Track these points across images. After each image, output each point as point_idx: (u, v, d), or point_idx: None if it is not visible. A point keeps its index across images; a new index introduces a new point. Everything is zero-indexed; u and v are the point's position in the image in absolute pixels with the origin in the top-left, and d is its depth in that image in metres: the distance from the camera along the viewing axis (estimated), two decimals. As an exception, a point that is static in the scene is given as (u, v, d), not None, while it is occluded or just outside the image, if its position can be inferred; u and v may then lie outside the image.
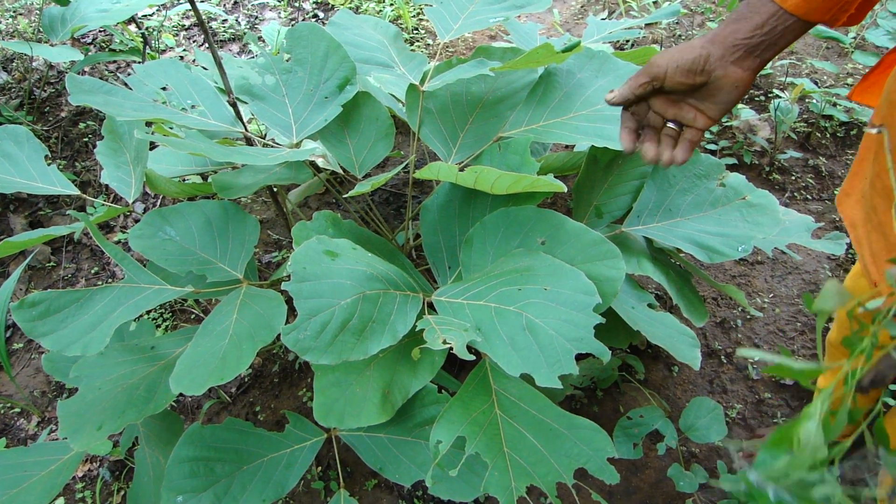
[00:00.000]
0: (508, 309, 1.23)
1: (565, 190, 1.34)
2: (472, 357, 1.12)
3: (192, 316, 2.29)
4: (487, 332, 1.22)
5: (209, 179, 1.78)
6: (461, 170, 1.32)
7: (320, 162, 1.74)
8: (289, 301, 1.32)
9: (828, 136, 2.44)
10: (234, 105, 1.59)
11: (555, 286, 1.23)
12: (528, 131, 1.56)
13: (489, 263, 1.39)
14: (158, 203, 2.64)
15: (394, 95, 1.86)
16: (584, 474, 1.22)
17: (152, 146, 1.87)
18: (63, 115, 2.91)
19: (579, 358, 1.17)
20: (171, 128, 1.71)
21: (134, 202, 1.62)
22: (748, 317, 2.11)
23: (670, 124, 1.06)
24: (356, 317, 1.20)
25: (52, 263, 2.49)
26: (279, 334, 1.27)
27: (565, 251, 1.33)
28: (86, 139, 2.83)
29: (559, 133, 1.51)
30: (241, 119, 1.61)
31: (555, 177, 1.31)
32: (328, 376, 1.34)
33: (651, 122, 1.08)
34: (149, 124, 1.71)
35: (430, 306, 1.34)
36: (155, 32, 3.32)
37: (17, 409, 2.13)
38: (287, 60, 1.64)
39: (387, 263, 1.36)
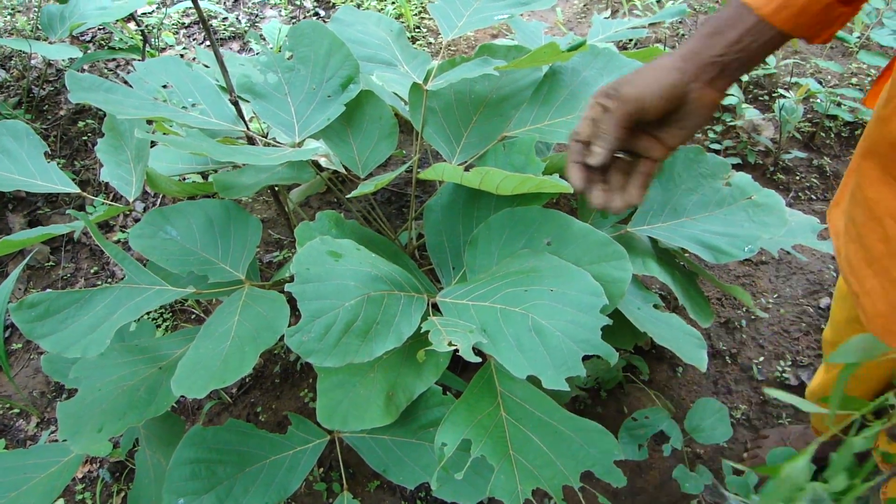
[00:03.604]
0: (514, 310, 1.22)
1: (572, 191, 1.33)
2: (479, 359, 1.11)
3: (193, 316, 2.27)
4: (493, 333, 1.21)
5: (210, 179, 1.76)
6: (466, 170, 1.31)
7: (323, 161, 1.72)
8: (291, 302, 1.31)
9: (832, 136, 2.42)
10: (235, 103, 1.58)
11: (561, 287, 1.22)
12: (533, 130, 1.55)
13: (494, 264, 1.37)
14: (158, 203, 2.62)
15: (397, 94, 1.84)
16: (589, 476, 1.20)
17: (152, 144, 1.85)
18: (62, 113, 2.90)
19: (584, 359, 1.15)
20: (171, 126, 1.70)
21: (134, 201, 1.60)
22: (753, 317, 2.10)
23: (622, 154, 0.96)
24: (360, 318, 1.18)
25: (51, 263, 2.47)
26: (282, 336, 1.26)
27: (571, 252, 1.32)
28: (85, 138, 2.82)
29: (564, 132, 1.50)
30: (242, 118, 1.59)
31: (560, 177, 1.30)
32: (331, 378, 1.33)
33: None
34: (150, 122, 1.69)
35: (435, 307, 1.33)
36: (154, 30, 3.30)
37: (17, 410, 2.11)
38: (289, 58, 1.63)
39: (391, 264, 1.34)
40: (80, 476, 1.96)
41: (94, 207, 2.52)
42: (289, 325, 1.19)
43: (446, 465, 1.20)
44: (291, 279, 1.18)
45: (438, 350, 1.09)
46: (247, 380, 2.09)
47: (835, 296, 1.37)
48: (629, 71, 1.54)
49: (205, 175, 2.34)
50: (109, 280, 2.42)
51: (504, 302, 1.24)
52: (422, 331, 1.20)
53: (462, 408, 1.26)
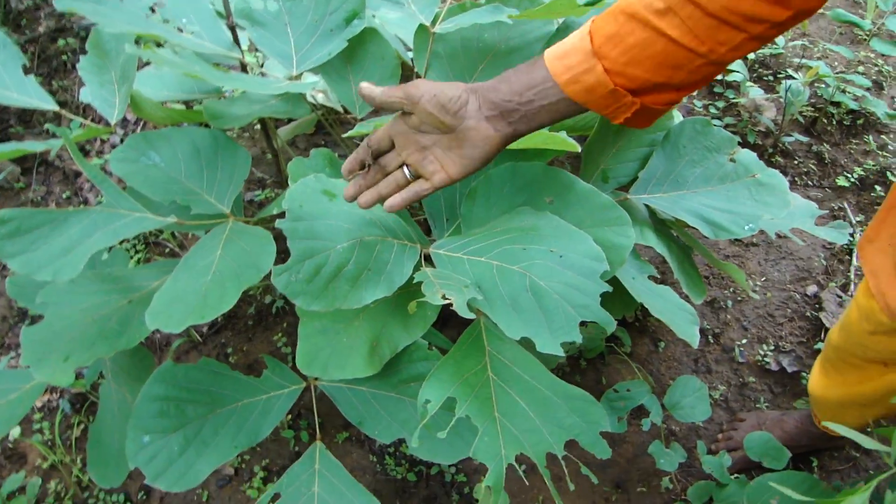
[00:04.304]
0: (512, 268, 1.17)
1: (579, 150, 1.28)
2: (473, 316, 1.06)
3: (168, 249, 2.20)
4: (488, 290, 1.16)
5: (197, 107, 1.68)
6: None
7: (320, 97, 1.65)
8: (277, 240, 1.25)
9: (834, 123, 2.39)
10: (232, 29, 1.49)
11: (562, 249, 1.16)
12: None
13: (492, 219, 1.32)
14: (139, 131, 2.52)
15: (399, 38, 1.77)
16: (570, 445, 1.16)
17: (139, 67, 1.76)
18: (41, 30, 2.77)
19: (580, 325, 1.12)
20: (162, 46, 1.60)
21: (116, 124, 1.52)
22: (739, 298, 2.08)
23: (406, 171, 1.02)
24: (352, 263, 1.13)
25: (20, 184, 2.38)
26: (265, 275, 1.20)
27: (574, 213, 1.27)
28: (64, 57, 2.70)
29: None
30: (238, 45, 1.51)
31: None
32: (314, 323, 1.27)
33: (385, 163, 1.03)
34: (138, 42, 1.60)
35: (427, 259, 1.27)
36: (145, -48, 3.16)
37: (-24, 332, 2.03)
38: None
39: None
40: (38, 405, 1.90)
41: (71, 129, 2.41)
42: (274, 265, 1.13)
43: (427, 423, 1.16)
44: (282, 215, 1.12)
45: (432, 302, 1.04)
46: (219, 319, 2.03)
47: (855, 307, 1.31)
48: None
49: (188, 104, 2.25)
50: (81, 206, 2.33)
51: (501, 259, 1.19)
52: (414, 281, 1.14)
53: (449, 364, 1.21)
